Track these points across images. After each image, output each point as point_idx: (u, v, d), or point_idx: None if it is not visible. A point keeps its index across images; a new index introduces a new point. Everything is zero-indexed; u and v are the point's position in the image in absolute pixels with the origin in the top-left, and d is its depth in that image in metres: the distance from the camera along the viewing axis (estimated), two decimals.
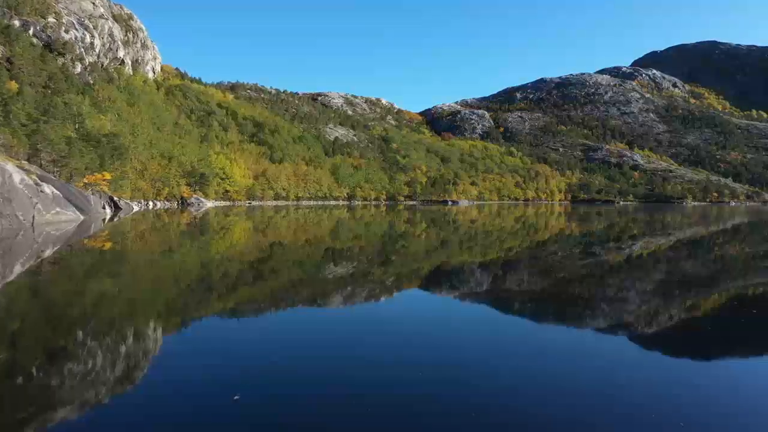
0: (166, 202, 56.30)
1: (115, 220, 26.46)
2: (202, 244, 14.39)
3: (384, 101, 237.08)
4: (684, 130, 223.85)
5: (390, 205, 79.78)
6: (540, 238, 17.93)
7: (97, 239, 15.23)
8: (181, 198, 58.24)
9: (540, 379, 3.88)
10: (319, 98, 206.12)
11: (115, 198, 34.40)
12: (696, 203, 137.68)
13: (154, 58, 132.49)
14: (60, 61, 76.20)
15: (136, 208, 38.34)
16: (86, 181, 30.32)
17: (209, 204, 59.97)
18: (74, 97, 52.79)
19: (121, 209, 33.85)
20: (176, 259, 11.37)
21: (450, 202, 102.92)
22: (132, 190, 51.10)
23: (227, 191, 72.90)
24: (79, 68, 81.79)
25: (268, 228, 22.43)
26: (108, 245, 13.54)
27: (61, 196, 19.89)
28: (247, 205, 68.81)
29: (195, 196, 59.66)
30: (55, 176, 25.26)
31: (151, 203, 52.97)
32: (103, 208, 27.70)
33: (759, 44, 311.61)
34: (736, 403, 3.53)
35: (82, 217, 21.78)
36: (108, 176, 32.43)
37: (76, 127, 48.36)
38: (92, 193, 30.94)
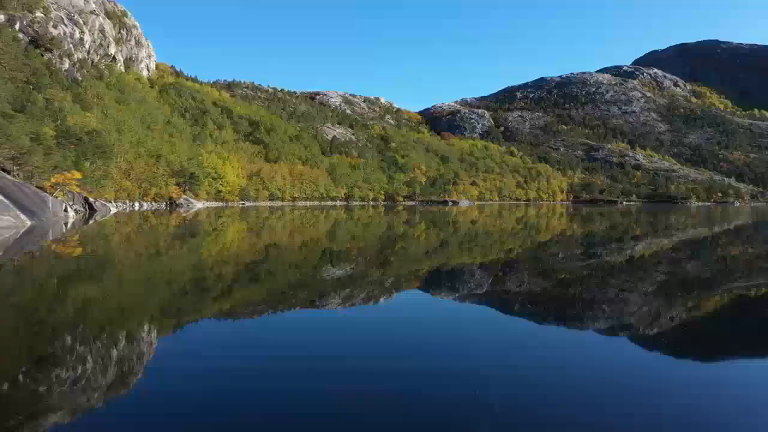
0: (154, 203, 53.81)
1: (90, 222, 24.17)
2: (189, 253, 11.95)
3: (383, 100, 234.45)
4: (686, 130, 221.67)
5: (388, 206, 77.61)
6: (541, 239, 17.81)
7: (37, 252, 12.73)
8: (170, 199, 55.72)
9: (540, 379, 3.86)
10: (317, 97, 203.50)
11: (91, 199, 31.90)
12: (700, 203, 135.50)
13: (149, 56, 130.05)
14: (47, 56, 73.74)
15: (113, 210, 35.83)
16: (54, 181, 27.86)
17: (199, 205, 57.50)
18: (56, 93, 50.26)
19: (97, 211, 31.37)
20: (154, 281, 8.89)
21: (450, 203, 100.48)
22: (116, 191, 48.63)
23: (220, 191, 70.36)
24: (67, 64, 79.30)
25: (263, 230, 21.65)
26: (52, 259, 11.04)
27: (1, 197, 17.36)
28: (241, 205, 66.44)
29: (184, 196, 57.15)
30: (14, 175, 22.83)
31: (137, 204, 50.50)
32: (65, 210, 25.10)
33: (761, 43, 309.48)
34: (737, 404, 3.51)
35: (29, 222, 19.23)
36: (78, 175, 29.90)
37: (58, 123, 45.93)
38: (63, 194, 28.51)
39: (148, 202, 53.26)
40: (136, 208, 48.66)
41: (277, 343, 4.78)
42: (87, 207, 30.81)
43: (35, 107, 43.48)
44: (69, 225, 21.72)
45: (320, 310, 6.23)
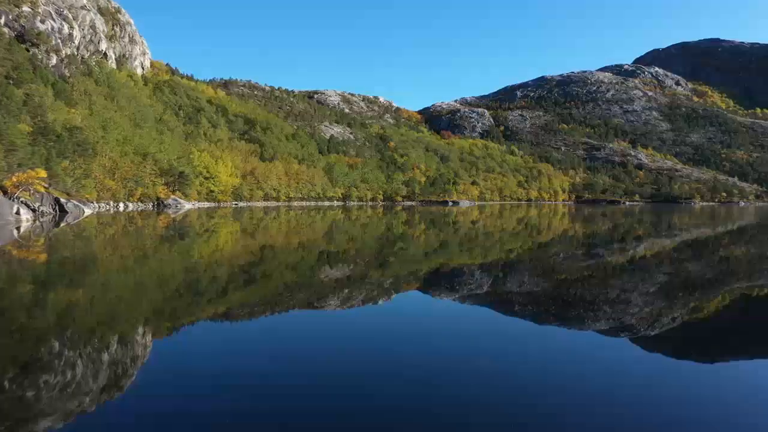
0: (140, 204, 51.27)
1: (62, 225, 22.00)
2: (170, 264, 9.50)
3: (382, 99, 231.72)
4: (688, 129, 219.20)
5: (387, 206, 75.38)
6: (542, 240, 17.77)
7: None
8: (157, 199, 53.18)
9: (541, 380, 3.82)
10: (316, 96, 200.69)
11: (63, 200, 29.37)
12: (704, 203, 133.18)
13: (143, 54, 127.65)
14: (33, 51, 71.18)
15: (88, 212, 33.26)
16: (16, 180, 25.31)
17: (189, 205, 54.95)
18: (35, 88, 47.71)
19: (68, 213, 28.81)
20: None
21: (450, 203, 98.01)
22: (99, 191, 46.04)
23: (212, 191, 67.79)
24: (54, 60, 76.72)
25: (257, 231, 21.06)
26: None
27: None
28: (234, 206, 63.98)
29: (173, 197, 54.60)
30: None
31: (122, 205, 47.95)
32: (18, 213, 22.55)
33: (762, 41, 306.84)
34: (737, 404, 3.50)
35: None
36: (43, 173, 27.40)
37: (37, 120, 43.40)
38: (30, 194, 25.99)
39: (134, 203, 50.71)
40: (121, 208, 46.15)
41: (274, 346, 4.69)
42: (57, 209, 28.31)
43: (11, 102, 40.94)
44: (22, 230, 19.22)
45: (318, 312, 6.09)
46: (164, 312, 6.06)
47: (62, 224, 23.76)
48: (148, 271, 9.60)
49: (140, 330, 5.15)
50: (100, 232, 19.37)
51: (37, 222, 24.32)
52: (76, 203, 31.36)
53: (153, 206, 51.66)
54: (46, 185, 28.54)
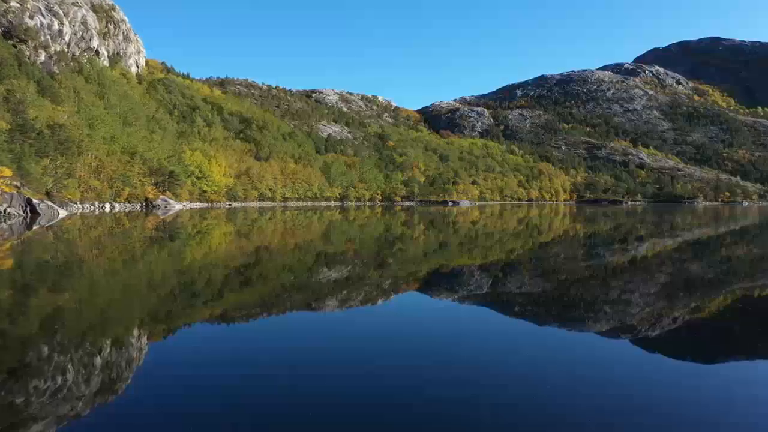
0: (127, 204, 49.23)
1: (35, 228, 20.42)
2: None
3: (381, 98, 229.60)
4: (689, 128, 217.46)
5: (386, 206, 73.53)
6: (543, 240, 17.65)
7: None
8: (146, 199, 51.13)
9: (541, 381, 3.81)
10: (314, 95, 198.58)
11: (35, 201, 27.34)
12: (707, 203, 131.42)
13: (138, 52, 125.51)
14: (19, 47, 69.10)
15: (64, 213, 31.14)
16: None
17: (179, 206, 52.90)
18: (17, 84, 45.66)
19: (41, 215, 26.79)
20: None
21: (450, 203, 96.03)
22: (83, 191, 44.01)
23: (204, 192, 65.74)
24: (43, 56, 74.67)
25: (251, 233, 20.46)
26: None
27: None
28: (227, 206, 62.01)
29: (162, 197, 52.55)
30: None
31: (107, 205, 45.89)
32: None
33: (763, 40, 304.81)
34: (737, 404, 3.47)
35: None
36: (8, 173, 25.36)
37: (17, 116, 41.33)
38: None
39: (121, 203, 48.66)
40: (107, 209, 44.13)
41: (271, 349, 4.64)
42: (29, 210, 26.30)
43: None
44: None
45: (315, 314, 6.00)
46: (154, 318, 5.85)
47: (35, 227, 21.90)
48: (136, 273, 9.11)
49: (122, 339, 4.92)
50: (71, 237, 17.69)
51: (3, 224, 22.39)
52: (50, 204, 29.29)
53: (141, 207, 49.63)
54: (18, 185, 26.55)
